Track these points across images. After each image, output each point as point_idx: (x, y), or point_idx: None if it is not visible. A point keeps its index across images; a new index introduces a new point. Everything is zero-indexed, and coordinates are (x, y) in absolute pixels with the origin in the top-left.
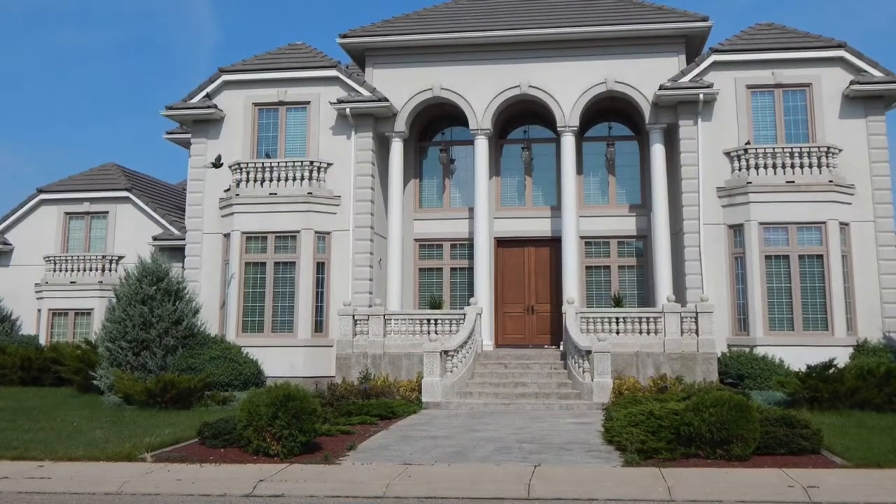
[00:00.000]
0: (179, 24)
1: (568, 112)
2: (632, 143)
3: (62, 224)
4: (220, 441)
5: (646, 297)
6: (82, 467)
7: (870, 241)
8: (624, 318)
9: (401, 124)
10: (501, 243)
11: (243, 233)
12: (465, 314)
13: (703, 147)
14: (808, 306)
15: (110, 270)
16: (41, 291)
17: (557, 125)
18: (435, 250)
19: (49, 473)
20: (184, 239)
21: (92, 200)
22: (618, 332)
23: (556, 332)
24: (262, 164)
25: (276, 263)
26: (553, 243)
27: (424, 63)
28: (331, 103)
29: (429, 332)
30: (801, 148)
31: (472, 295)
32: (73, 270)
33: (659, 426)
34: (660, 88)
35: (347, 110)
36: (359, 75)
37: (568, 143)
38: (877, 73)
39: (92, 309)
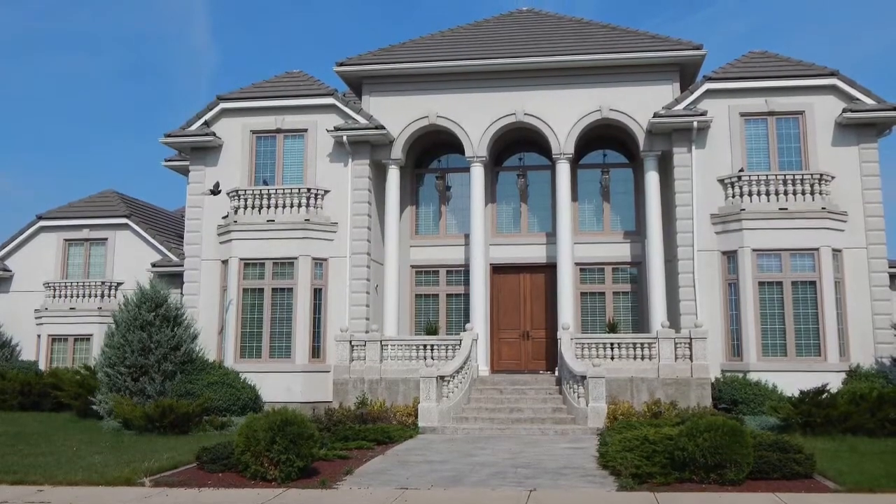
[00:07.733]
0: (178, 49)
1: (563, 140)
2: (626, 170)
3: (62, 250)
4: (218, 466)
5: (640, 322)
6: (81, 492)
7: (862, 267)
8: (619, 343)
9: (397, 152)
10: (497, 269)
11: (241, 259)
12: (461, 340)
13: (697, 174)
14: (801, 332)
15: (109, 297)
16: (41, 317)
17: (552, 153)
18: (431, 276)
19: (48, 498)
20: (182, 265)
21: (91, 227)
22: (612, 358)
23: (552, 358)
24: (260, 191)
25: (274, 290)
26: (548, 269)
27: (421, 91)
28: (328, 131)
29: (425, 358)
30: (794, 175)
31: (467, 321)
32: (72, 296)
33: (653, 451)
34: (654, 116)
35: (344, 138)
36: (356, 103)
37: (563, 170)
38: (869, 101)
39: (91, 335)
